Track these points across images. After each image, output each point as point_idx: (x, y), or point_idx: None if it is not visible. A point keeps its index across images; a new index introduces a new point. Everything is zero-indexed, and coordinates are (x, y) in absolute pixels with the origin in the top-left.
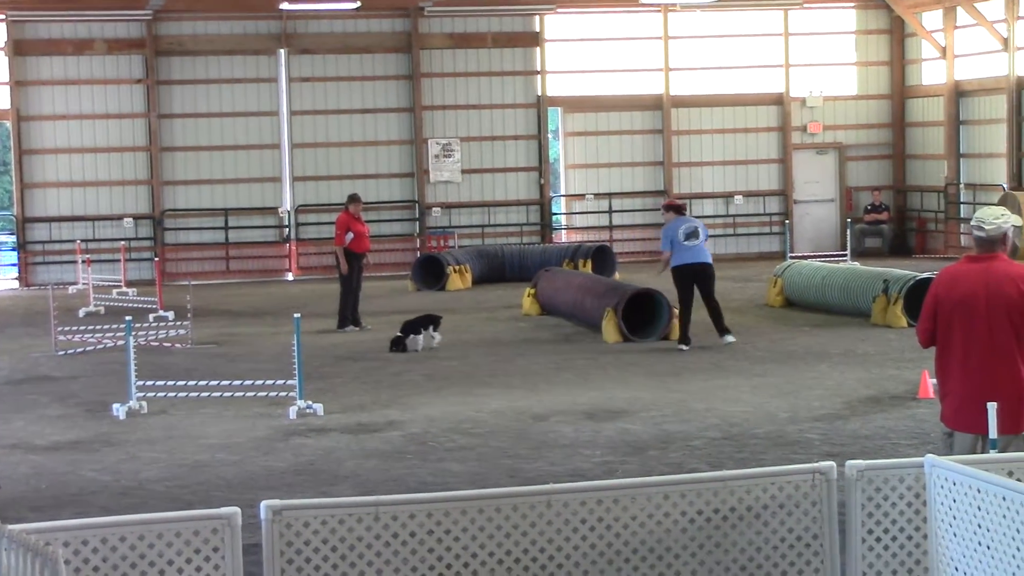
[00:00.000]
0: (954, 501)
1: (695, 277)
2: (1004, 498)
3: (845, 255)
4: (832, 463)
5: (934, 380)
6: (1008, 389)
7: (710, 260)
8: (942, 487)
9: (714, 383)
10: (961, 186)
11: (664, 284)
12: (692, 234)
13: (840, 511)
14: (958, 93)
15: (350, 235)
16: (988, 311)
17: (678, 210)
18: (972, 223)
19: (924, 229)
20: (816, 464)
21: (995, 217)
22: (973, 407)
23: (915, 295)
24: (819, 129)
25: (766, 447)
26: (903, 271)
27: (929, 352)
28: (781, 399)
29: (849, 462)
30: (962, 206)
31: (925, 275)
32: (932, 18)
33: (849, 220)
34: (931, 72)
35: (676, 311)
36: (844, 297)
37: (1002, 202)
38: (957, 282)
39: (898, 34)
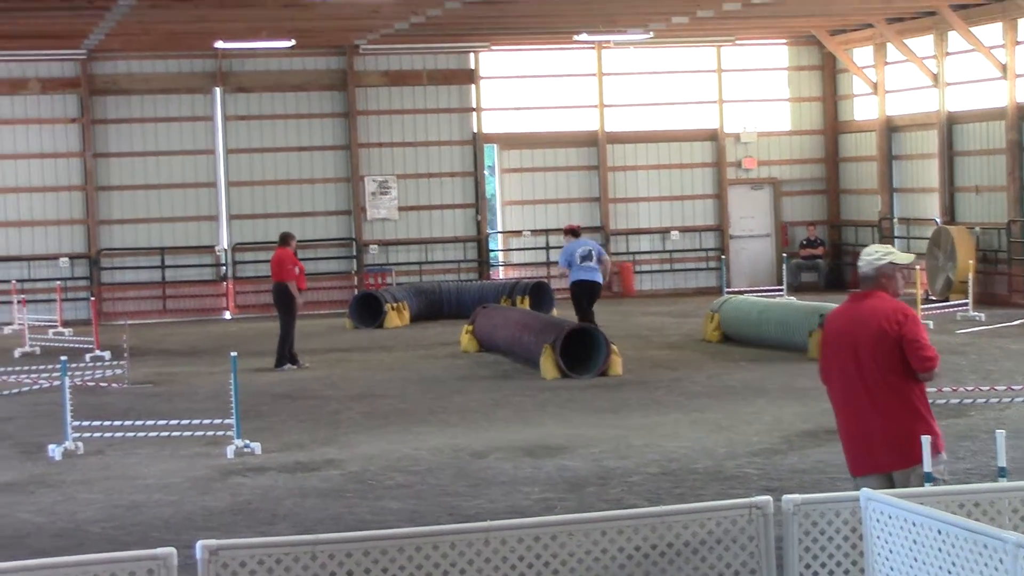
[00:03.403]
0: (890, 535)
1: (585, 293)
2: (939, 531)
3: (781, 290)
4: (769, 498)
5: None
6: (887, 428)
7: (600, 280)
8: (878, 521)
9: (653, 419)
10: (895, 220)
11: (602, 319)
12: (587, 256)
13: (777, 545)
14: (890, 128)
15: (296, 269)
16: (856, 349)
17: (575, 233)
18: (861, 259)
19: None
20: (753, 499)
21: (868, 254)
22: (857, 450)
23: None
24: (754, 165)
25: (704, 482)
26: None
27: None
28: (719, 434)
29: (786, 496)
30: (896, 240)
31: None
32: (863, 54)
33: (785, 255)
34: (863, 108)
35: (614, 347)
36: (781, 332)
37: (935, 236)
38: (835, 320)
39: (830, 70)
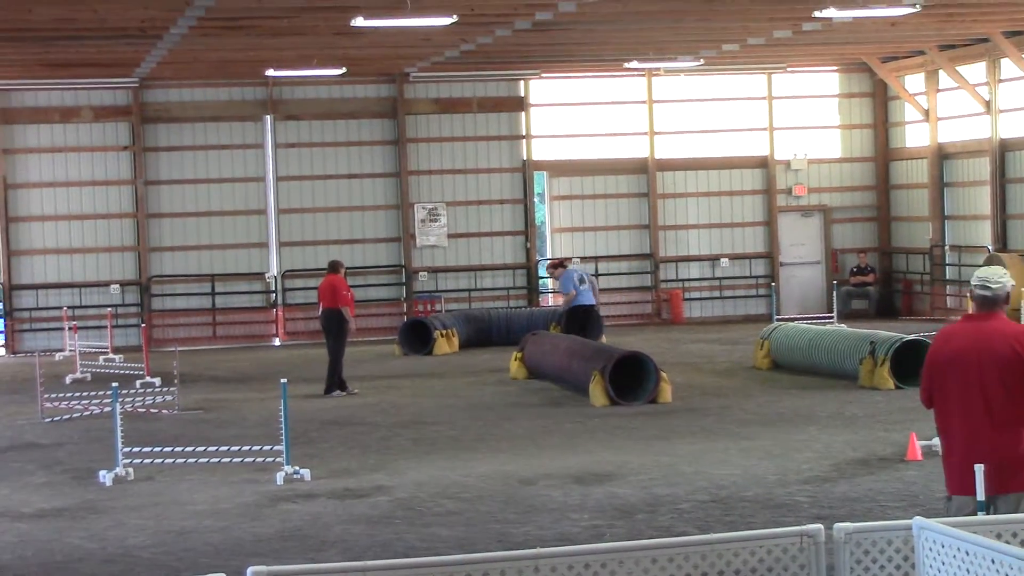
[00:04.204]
0: (943, 564)
1: (586, 316)
2: (993, 560)
3: (832, 317)
4: (820, 526)
5: (922, 442)
6: (1005, 449)
7: (595, 302)
8: (930, 549)
9: (702, 446)
10: (946, 248)
11: (651, 347)
12: (582, 280)
13: (829, 574)
14: (941, 155)
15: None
16: (980, 370)
17: (564, 264)
18: (974, 282)
19: (910, 291)
20: (804, 527)
21: (1000, 276)
22: (970, 469)
23: (902, 357)
24: (804, 192)
25: (755, 510)
26: (890, 333)
27: (916, 414)
28: (769, 462)
29: (837, 525)
30: (948, 268)
31: (911, 337)
32: (914, 81)
33: (835, 282)
34: (914, 135)
35: (664, 374)
36: (831, 359)
37: (988, 263)
38: (951, 341)
39: (881, 97)
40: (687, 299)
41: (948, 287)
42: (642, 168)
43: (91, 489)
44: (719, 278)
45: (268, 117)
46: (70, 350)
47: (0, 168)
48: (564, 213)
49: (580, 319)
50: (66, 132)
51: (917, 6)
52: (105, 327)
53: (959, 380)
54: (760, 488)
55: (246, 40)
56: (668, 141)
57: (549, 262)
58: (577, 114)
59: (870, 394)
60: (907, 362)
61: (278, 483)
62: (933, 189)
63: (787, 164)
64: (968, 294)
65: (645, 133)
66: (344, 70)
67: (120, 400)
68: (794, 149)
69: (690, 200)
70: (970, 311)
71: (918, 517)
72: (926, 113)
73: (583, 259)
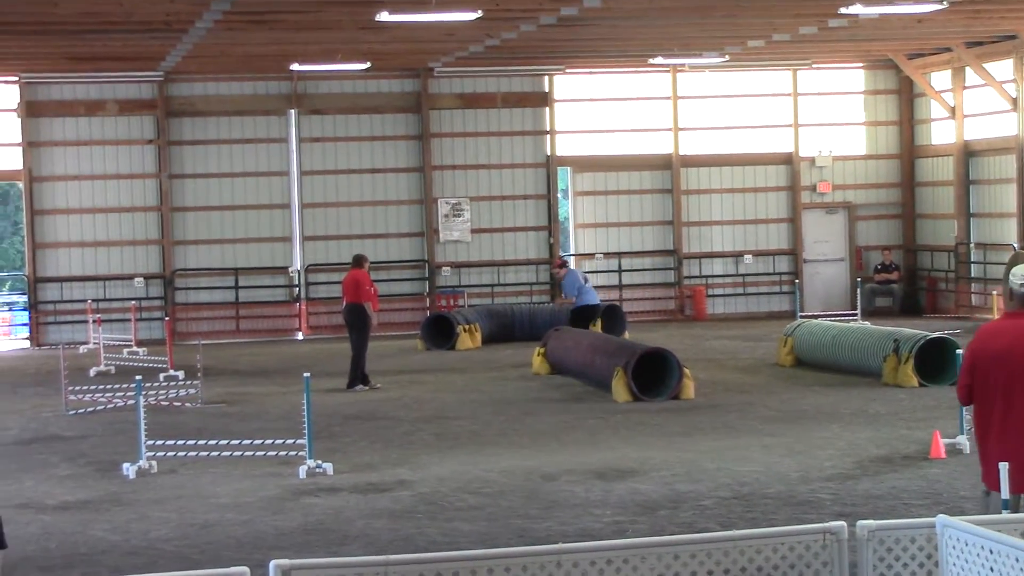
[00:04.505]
0: (966, 562)
1: (592, 315)
2: (1017, 559)
3: (855, 314)
4: (843, 523)
5: (946, 440)
6: None
7: (599, 301)
8: (954, 548)
9: (724, 442)
10: (971, 245)
11: (674, 343)
12: (585, 280)
13: (852, 572)
14: (967, 153)
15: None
16: (1023, 367)
17: (566, 264)
18: (1017, 279)
19: (935, 288)
20: (827, 524)
21: None
22: (1011, 466)
23: (926, 355)
24: (828, 188)
25: (777, 507)
26: (914, 330)
27: (940, 412)
28: (792, 459)
29: (860, 522)
30: (972, 265)
31: (936, 335)
32: (941, 78)
33: (859, 279)
34: (940, 132)
35: (687, 371)
36: (854, 357)
37: (1013, 261)
38: (993, 338)
39: (907, 94)
40: (710, 295)
41: (973, 285)
42: (666, 164)
43: (115, 482)
44: (743, 274)
45: (292, 111)
46: (94, 343)
47: (26, 161)
48: (588, 209)
49: (587, 319)
50: (91, 125)
51: (944, 3)
52: (129, 320)
53: (1001, 377)
54: (783, 485)
55: (271, 34)
56: (692, 137)
57: (555, 261)
58: (601, 110)
59: (894, 392)
60: (931, 360)
61: (301, 477)
62: (958, 186)
63: (812, 161)
64: (1000, 292)
65: (669, 129)
66: (368, 65)
67: (144, 393)
68: (819, 146)
69: (714, 196)
70: (1005, 308)
71: (942, 515)
72: (952, 110)
73: (606, 255)
